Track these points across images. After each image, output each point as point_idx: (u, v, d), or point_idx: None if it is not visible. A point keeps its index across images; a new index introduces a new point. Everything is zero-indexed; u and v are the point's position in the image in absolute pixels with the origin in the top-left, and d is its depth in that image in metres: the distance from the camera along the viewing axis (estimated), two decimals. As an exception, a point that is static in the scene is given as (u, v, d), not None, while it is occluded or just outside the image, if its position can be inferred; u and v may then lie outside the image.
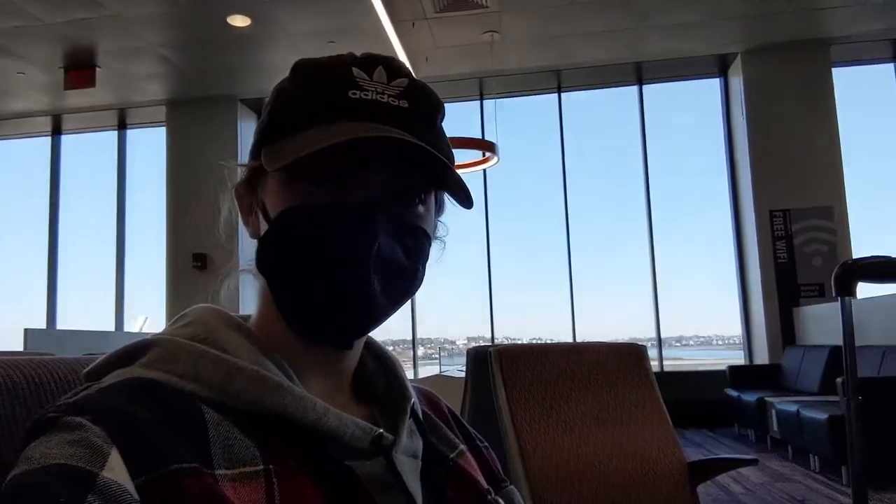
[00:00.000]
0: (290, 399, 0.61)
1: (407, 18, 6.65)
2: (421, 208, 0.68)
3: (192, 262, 8.35)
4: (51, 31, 6.55)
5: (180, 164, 8.74)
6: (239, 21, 6.57)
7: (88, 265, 9.78)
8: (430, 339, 9.97)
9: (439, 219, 0.75)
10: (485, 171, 7.95)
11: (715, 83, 8.75)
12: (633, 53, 7.93)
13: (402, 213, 0.66)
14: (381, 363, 0.78)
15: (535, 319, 9.70)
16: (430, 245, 0.70)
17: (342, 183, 0.64)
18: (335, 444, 0.63)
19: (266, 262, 0.66)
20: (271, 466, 0.58)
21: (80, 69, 7.15)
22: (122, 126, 9.57)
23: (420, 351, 9.48)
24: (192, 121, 8.82)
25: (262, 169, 0.65)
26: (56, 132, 9.66)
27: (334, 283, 0.63)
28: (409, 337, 9.15)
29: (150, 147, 9.51)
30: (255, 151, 0.68)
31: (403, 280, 0.67)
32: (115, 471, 0.50)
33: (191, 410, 0.58)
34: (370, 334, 0.79)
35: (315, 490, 0.59)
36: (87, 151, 10.00)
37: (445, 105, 0.71)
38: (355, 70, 0.66)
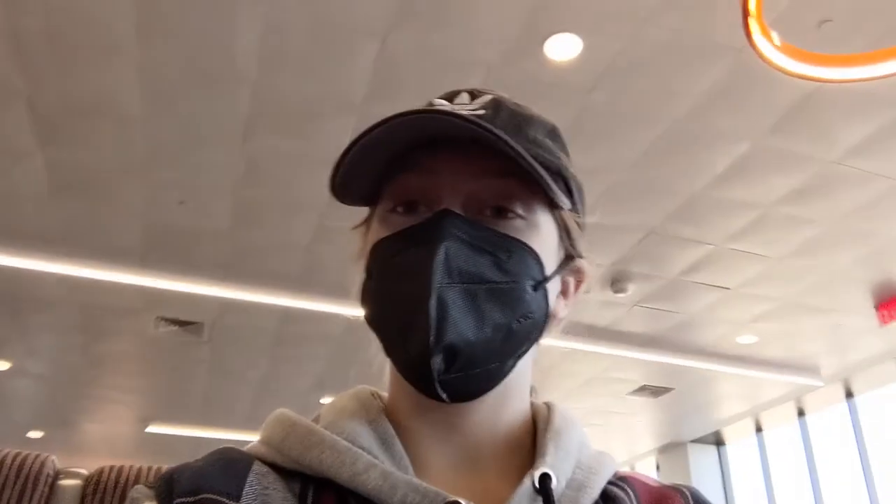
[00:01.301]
0: (329, 453, 0.55)
1: None
2: (519, 221, 0.59)
3: None
4: (848, 277, 6.65)
5: None
6: None
7: None
8: None
9: (576, 248, 0.65)
10: None
11: None
12: None
13: (489, 221, 0.58)
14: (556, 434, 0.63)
15: None
16: (539, 265, 0.59)
17: (422, 204, 0.59)
18: None
19: (365, 311, 0.60)
20: None
21: (886, 302, 7.06)
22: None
23: None
24: None
25: (371, 218, 0.64)
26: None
27: (401, 303, 0.55)
28: None
29: None
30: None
31: (498, 299, 0.55)
32: None
33: (242, 464, 0.57)
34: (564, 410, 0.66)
35: None
36: None
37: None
38: (436, 100, 0.63)
